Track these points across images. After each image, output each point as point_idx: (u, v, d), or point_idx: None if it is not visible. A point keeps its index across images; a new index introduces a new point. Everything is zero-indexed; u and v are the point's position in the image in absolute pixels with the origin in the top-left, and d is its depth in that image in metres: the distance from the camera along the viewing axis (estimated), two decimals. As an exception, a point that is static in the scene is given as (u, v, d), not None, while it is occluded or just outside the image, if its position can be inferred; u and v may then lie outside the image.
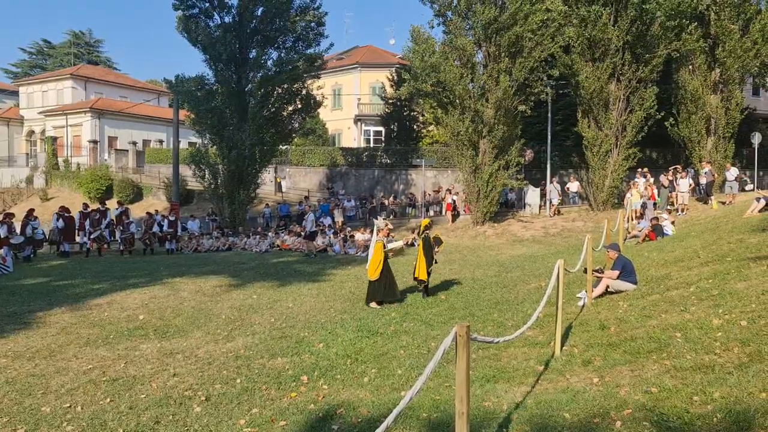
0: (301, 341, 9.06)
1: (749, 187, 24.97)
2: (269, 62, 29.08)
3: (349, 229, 25.13)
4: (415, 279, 12.60)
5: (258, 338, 9.33)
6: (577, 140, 27.55)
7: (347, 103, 48.55)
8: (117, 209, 23.67)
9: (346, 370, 7.52)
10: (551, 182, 27.69)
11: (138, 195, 41.74)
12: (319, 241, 23.29)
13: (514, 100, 24.25)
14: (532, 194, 28.02)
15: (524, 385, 6.22)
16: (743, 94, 26.74)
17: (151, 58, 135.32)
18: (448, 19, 24.63)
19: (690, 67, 25.60)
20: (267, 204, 33.18)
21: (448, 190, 29.73)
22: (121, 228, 22.83)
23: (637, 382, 5.44)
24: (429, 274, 12.51)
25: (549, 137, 28.01)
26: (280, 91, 29.69)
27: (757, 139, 27.37)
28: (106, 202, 26.40)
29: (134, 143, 48.76)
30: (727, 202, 22.03)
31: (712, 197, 23.26)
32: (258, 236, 24.84)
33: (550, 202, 27.37)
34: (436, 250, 12.72)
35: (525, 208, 28.23)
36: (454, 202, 28.02)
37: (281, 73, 28.43)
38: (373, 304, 11.62)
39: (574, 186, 29.13)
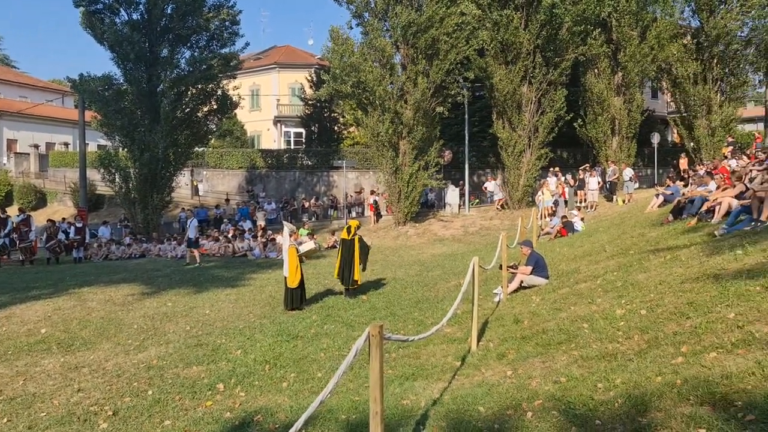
0: (218, 348, 8.82)
1: (636, 185, 26.27)
2: (182, 61, 28.22)
3: (270, 232, 24.75)
4: (341, 279, 12.53)
5: (172, 347, 9.00)
6: (493, 141, 28.34)
7: (266, 105, 47.80)
8: (18, 216, 22.21)
9: (265, 376, 7.39)
10: (491, 180, 28.54)
11: (42, 201, 39.43)
12: (239, 245, 22.82)
13: (432, 101, 24.68)
14: (452, 194, 28.59)
15: (442, 381, 6.31)
16: (643, 97, 28.38)
17: (54, 56, 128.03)
18: (366, 20, 24.74)
19: (595, 70, 26.89)
20: (183, 208, 32.18)
21: (372, 191, 29.85)
22: (19, 237, 21.34)
23: (547, 373, 5.65)
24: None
25: (467, 138, 28.67)
26: (194, 91, 28.84)
27: (656, 139, 29.16)
28: (7, 209, 24.75)
29: (36, 146, 45.93)
30: (626, 201, 23.33)
31: (617, 195, 24.57)
32: (174, 242, 24.02)
33: (491, 198, 28.30)
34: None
35: (445, 208, 28.76)
36: (377, 202, 28.18)
37: (195, 72, 27.64)
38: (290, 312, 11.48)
39: (491, 185, 29.96)
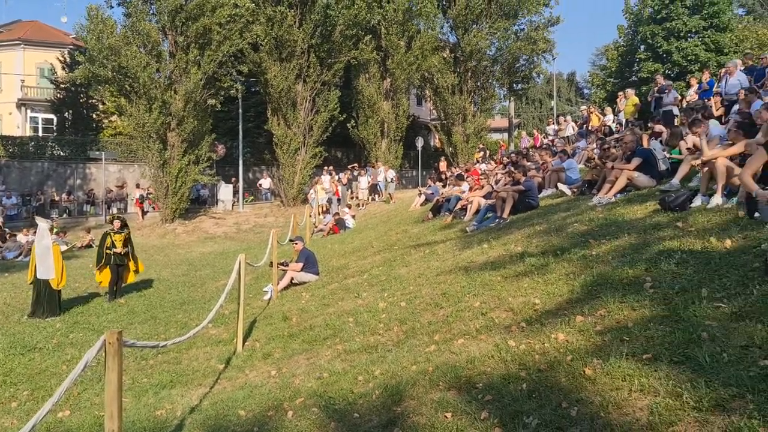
0: (-74, 371, 7.29)
1: (395, 186, 27.99)
2: None
3: (8, 230, 21.47)
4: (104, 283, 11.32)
5: None
6: (268, 137, 28.11)
7: (8, 85, 41.50)
8: None
9: (-11, 398, 6.26)
10: (266, 177, 27.99)
11: None
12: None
13: (204, 93, 23.61)
14: (225, 190, 27.71)
15: (203, 386, 5.93)
16: (409, 103, 30.54)
17: None
18: (129, 1, 22.77)
19: (367, 74, 28.17)
20: None
21: (137, 186, 27.59)
22: None
23: (311, 370, 5.59)
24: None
25: (240, 133, 28.02)
26: None
27: (420, 143, 31.53)
28: None
29: None
30: (392, 200, 24.81)
31: (388, 193, 25.98)
32: None
33: (266, 195, 27.72)
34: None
35: (218, 205, 27.77)
36: (143, 198, 26.14)
37: None
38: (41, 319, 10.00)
39: (266, 182, 29.67)
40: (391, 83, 28.43)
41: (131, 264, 11.83)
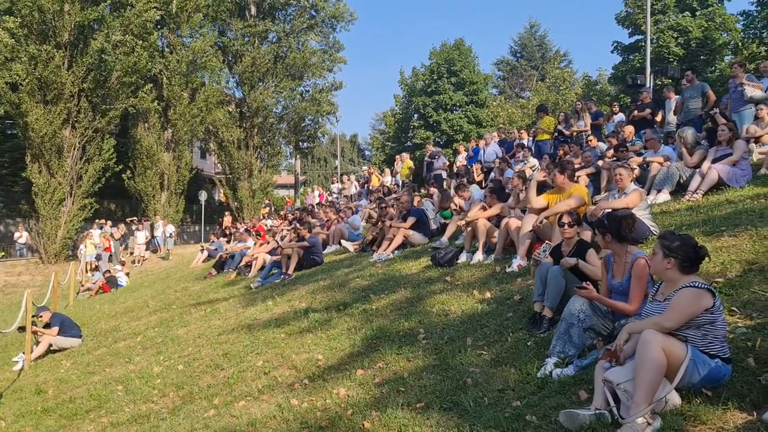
0: None
1: (173, 241, 26.69)
2: None
3: None
4: None
5: None
6: (27, 186, 24.94)
7: None
8: None
9: None
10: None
11: None
12: None
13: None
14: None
15: None
16: (192, 155, 29.59)
17: None
18: None
19: (146, 124, 26.75)
20: None
21: None
22: None
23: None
24: None
25: (-8, 180, 24.52)
26: None
27: (203, 197, 30.50)
28: None
29: None
30: (171, 256, 23.55)
31: (166, 249, 24.53)
32: None
33: (22, 251, 24.18)
34: None
35: (-43, 262, 23.70)
36: None
37: None
38: None
39: (22, 236, 26.12)
40: (173, 134, 27.32)
41: None
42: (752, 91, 10.08)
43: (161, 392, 5.85)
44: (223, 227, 24.30)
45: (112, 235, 23.10)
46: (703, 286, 3.15)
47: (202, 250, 19.20)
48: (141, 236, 23.77)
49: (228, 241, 19.97)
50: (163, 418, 5.07)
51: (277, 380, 5.24)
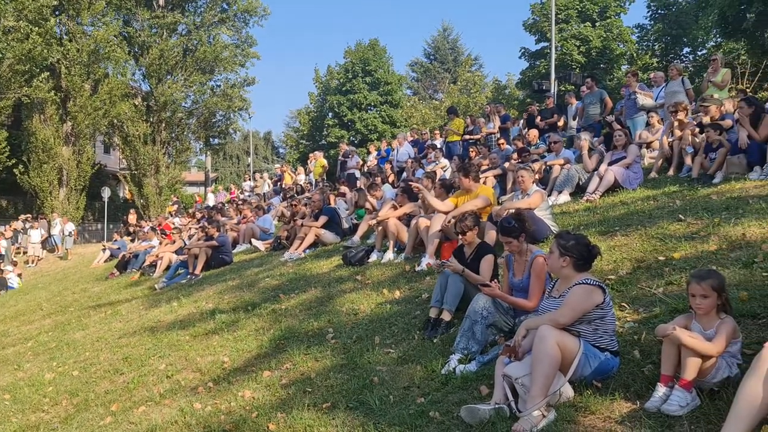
0: None
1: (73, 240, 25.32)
2: None
3: None
4: None
5: None
6: None
7: None
8: None
9: None
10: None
11: None
12: None
13: None
14: None
15: None
16: (95, 150, 28.06)
17: None
18: None
19: (42, 115, 25.11)
20: None
21: None
22: None
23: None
24: None
25: None
26: None
27: (106, 193, 28.96)
28: None
29: None
30: (70, 256, 22.24)
31: (65, 248, 23.11)
32: None
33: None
34: None
35: None
36: None
37: None
38: None
39: None
40: (72, 127, 25.79)
41: None
42: (644, 99, 10.78)
43: (53, 400, 5.52)
44: (127, 225, 23.19)
45: (2, 233, 21.50)
46: (594, 282, 3.32)
47: (104, 250, 18.27)
48: (35, 234, 22.26)
49: (132, 240, 19.06)
50: (53, 428, 4.78)
51: (180, 384, 5.07)
